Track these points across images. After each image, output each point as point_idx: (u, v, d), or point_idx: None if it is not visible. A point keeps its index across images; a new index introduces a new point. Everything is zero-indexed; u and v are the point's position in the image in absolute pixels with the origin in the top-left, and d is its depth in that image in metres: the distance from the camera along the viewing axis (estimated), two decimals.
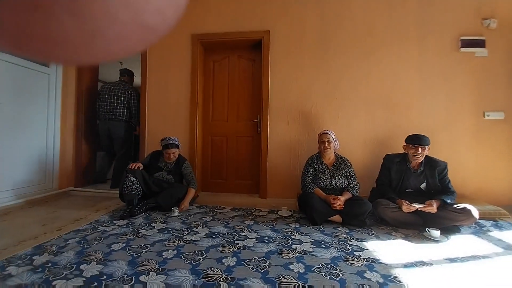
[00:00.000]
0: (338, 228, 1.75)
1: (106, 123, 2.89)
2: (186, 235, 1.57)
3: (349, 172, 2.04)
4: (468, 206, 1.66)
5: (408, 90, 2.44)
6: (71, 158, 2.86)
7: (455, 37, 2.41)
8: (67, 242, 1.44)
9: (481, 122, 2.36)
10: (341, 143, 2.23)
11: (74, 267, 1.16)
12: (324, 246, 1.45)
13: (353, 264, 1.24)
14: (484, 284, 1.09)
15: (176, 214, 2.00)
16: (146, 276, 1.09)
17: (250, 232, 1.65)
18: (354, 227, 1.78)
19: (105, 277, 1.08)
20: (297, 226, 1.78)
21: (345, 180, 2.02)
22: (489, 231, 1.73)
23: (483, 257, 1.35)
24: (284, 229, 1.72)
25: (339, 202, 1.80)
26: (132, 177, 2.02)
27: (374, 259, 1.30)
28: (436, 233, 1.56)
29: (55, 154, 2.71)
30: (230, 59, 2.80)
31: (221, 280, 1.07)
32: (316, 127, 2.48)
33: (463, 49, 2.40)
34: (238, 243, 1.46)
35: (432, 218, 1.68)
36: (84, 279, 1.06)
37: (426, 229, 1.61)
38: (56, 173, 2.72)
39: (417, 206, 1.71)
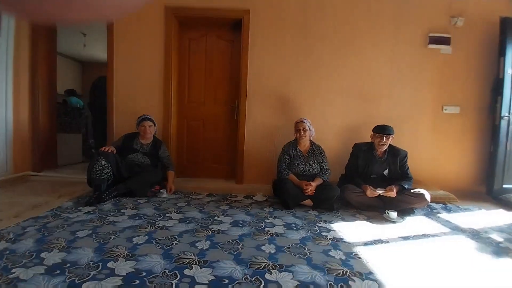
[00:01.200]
0: (309, 212, 1.86)
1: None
2: (159, 221, 1.55)
3: (322, 159, 2.14)
4: (422, 190, 1.86)
5: (379, 81, 2.56)
6: (27, 137, 2.57)
7: (425, 33, 2.54)
8: (26, 230, 1.33)
9: (439, 115, 2.59)
10: (316, 130, 2.30)
11: (34, 255, 1.08)
12: (295, 228, 1.54)
13: (320, 244, 1.34)
14: (432, 258, 1.25)
15: (165, 195, 2.01)
16: (115, 262, 1.06)
17: (225, 216, 1.68)
18: (324, 210, 1.90)
19: (68, 265, 1.03)
20: (271, 210, 1.85)
21: (318, 167, 2.11)
22: (439, 213, 1.97)
23: (432, 235, 1.55)
24: (258, 213, 1.77)
25: (311, 187, 1.89)
26: (103, 160, 1.89)
27: (339, 238, 1.42)
28: (393, 214, 1.73)
29: (8, 132, 2.40)
30: (208, 38, 2.66)
31: (194, 263, 1.08)
32: (294, 114, 2.51)
33: (430, 46, 2.55)
34: (213, 228, 1.48)
35: (391, 202, 1.86)
36: (45, 267, 1.00)
37: (386, 211, 1.78)
38: (10, 154, 2.43)
39: (379, 191, 1.87)
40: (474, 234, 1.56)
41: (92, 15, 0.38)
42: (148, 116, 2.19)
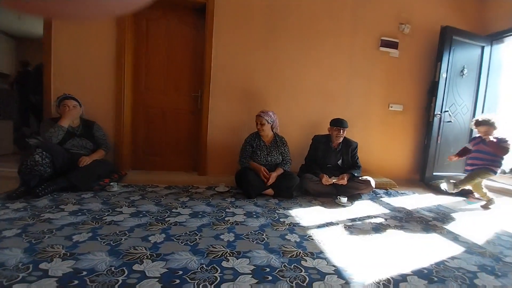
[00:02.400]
0: (270, 200, 1.91)
1: None
2: (106, 216, 1.40)
3: (284, 149, 2.20)
4: (369, 178, 2.07)
5: (338, 79, 2.73)
6: None
7: (377, 36, 2.78)
8: None
9: (386, 112, 2.89)
10: (280, 124, 2.34)
11: None
12: (255, 216, 1.56)
13: (277, 229, 1.39)
14: (373, 235, 1.41)
15: (115, 189, 1.84)
16: (48, 263, 0.93)
17: (183, 208, 1.61)
18: (284, 198, 1.97)
19: None
20: (232, 200, 1.84)
21: (280, 157, 2.17)
22: (381, 197, 2.22)
23: (375, 216, 1.74)
24: (219, 204, 1.75)
25: (271, 179, 1.95)
26: (37, 155, 1.63)
27: (295, 223, 1.49)
28: (344, 199, 1.89)
29: None
30: (170, 21, 2.46)
31: (145, 258, 1.01)
32: (259, 107, 2.50)
33: (381, 48, 2.80)
34: (169, 220, 1.40)
35: (342, 188, 2.04)
36: None
37: (338, 197, 1.94)
38: None
39: (333, 180, 2.03)
40: (408, 214, 1.81)
41: (98, 10, 0.36)
42: (70, 95, 1.95)
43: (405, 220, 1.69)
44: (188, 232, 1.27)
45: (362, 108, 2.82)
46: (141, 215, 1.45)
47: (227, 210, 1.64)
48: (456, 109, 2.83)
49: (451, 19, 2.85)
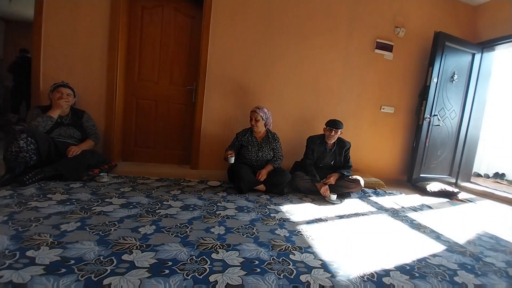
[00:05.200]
0: (261, 196, 1.93)
1: None
2: (96, 206, 1.39)
3: (276, 145, 2.21)
4: (358, 177, 2.12)
5: (333, 78, 2.75)
6: None
7: (373, 38, 2.82)
8: None
9: (378, 113, 2.95)
10: (273, 120, 2.35)
11: None
12: (246, 210, 1.58)
13: (268, 224, 1.41)
14: (360, 232, 1.45)
15: (105, 179, 1.81)
16: (35, 251, 0.92)
17: (175, 201, 1.61)
18: (275, 194, 1.99)
19: None
20: (224, 195, 1.85)
21: (271, 153, 2.19)
22: (370, 196, 2.28)
23: (362, 214, 1.79)
24: (211, 198, 1.75)
25: (261, 175, 1.98)
26: (22, 141, 1.57)
27: (285, 218, 1.52)
28: (333, 197, 1.94)
29: None
30: (165, 9, 2.41)
31: (134, 248, 1.01)
32: (253, 102, 2.51)
33: (376, 50, 2.84)
34: (160, 212, 1.40)
35: (333, 187, 2.08)
36: None
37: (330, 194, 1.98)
38: None
39: (323, 180, 2.08)
40: (394, 213, 1.87)
41: None
42: (67, 83, 1.93)
43: (391, 218, 1.75)
44: (178, 225, 1.27)
45: (355, 108, 2.86)
46: (131, 207, 1.44)
47: (218, 204, 1.64)
48: (444, 114, 2.92)
49: (444, 25, 2.91)
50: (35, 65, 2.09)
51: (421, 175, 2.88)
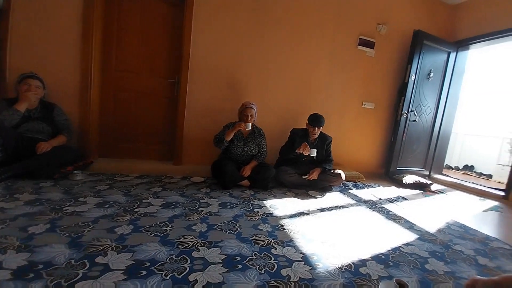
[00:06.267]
0: (245, 191, 1.93)
1: None
2: (68, 206, 1.31)
3: (261, 141, 2.21)
4: (339, 171, 2.18)
5: (320, 73, 2.78)
6: None
7: (356, 35, 2.86)
8: None
9: (359, 109, 3.03)
10: (260, 114, 2.34)
11: None
12: (229, 206, 1.57)
13: (251, 219, 1.41)
14: (340, 224, 1.50)
15: (79, 177, 1.70)
16: (2, 255, 0.86)
17: (155, 199, 1.56)
18: (259, 189, 2.00)
19: None
20: (208, 191, 1.83)
21: (256, 148, 2.18)
22: (350, 189, 2.36)
23: (342, 206, 1.85)
24: (194, 194, 1.72)
25: (245, 171, 1.98)
26: None
27: (268, 213, 1.53)
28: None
29: None
30: None
31: (110, 250, 0.97)
32: (239, 96, 2.48)
33: (359, 47, 2.89)
34: (138, 211, 1.35)
35: (315, 181, 2.13)
36: None
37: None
38: None
39: (307, 176, 2.13)
40: (372, 205, 1.95)
41: None
42: (35, 74, 1.80)
43: (369, 210, 1.83)
44: (158, 223, 1.23)
45: (339, 104, 2.92)
46: (108, 206, 1.37)
47: (201, 200, 1.62)
48: (421, 110, 3.06)
49: (423, 24, 3.02)
50: (1, 54, 1.89)
51: (397, 168, 3.03)
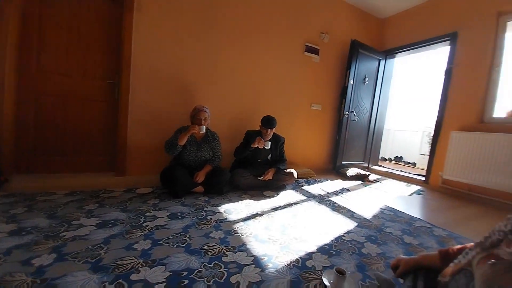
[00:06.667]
0: (199, 198, 1.85)
1: None
2: None
3: (215, 145, 2.16)
4: (292, 170, 2.30)
5: (269, 77, 2.86)
6: None
7: (303, 41, 3.06)
8: None
9: (309, 110, 3.26)
10: (213, 118, 2.28)
11: None
12: (180, 217, 1.48)
13: (202, 228, 1.36)
14: (292, 219, 1.56)
15: None
16: None
17: (88, 218, 1.36)
18: (214, 194, 1.95)
19: None
20: (156, 202, 1.69)
21: (211, 152, 2.13)
22: (302, 186, 2.50)
23: (295, 203, 1.94)
24: (138, 208, 1.57)
25: (199, 177, 1.91)
26: None
27: (222, 219, 1.50)
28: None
29: None
30: None
31: (24, 286, 0.80)
32: (191, 99, 2.38)
33: (306, 53, 3.10)
34: (65, 235, 1.16)
35: (270, 181, 2.19)
36: None
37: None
38: None
39: (262, 178, 2.17)
40: (320, 199, 2.11)
41: None
42: None
43: (318, 204, 1.96)
44: (90, 247, 1.08)
45: (290, 106, 3.07)
46: (24, 233, 1.14)
47: (147, 214, 1.49)
48: (359, 110, 3.45)
49: (358, 35, 3.42)
50: None
51: (342, 163, 3.35)
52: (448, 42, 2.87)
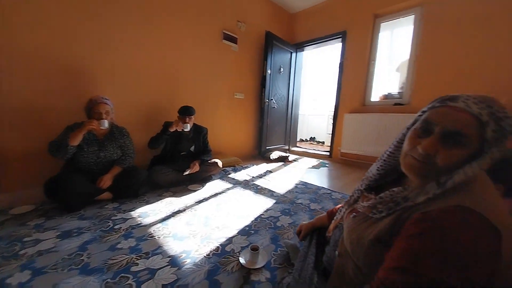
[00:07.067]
0: (106, 206, 1.59)
1: None
2: None
3: (125, 141, 1.87)
4: (216, 160, 2.29)
5: (186, 65, 2.67)
6: None
7: (220, 29, 2.98)
8: None
9: (232, 99, 3.29)
10: (119, 111, 1.95)
11: None
12: (76, 234, 1.23)
13: (107, 241, 1.17)
14: (215, 207, 1.56)
15: None
16: None
17: None
18: (127, 199, 1.72)
19: None
20: (40, 223, 1.33)
21: (119, 151, 1.83)
22: (229, 174, 2.55)
23: (220, 192, 1.96)
24: (12, 234, 1.20)
25: (104, 181, 1.63)
26: None
27: (135, 225, 1.34)
28: (194, 186, 1.97)
29: None
30: None
31: None
32: (83, 88, 1.94)
33: (224, 41, 3.05)
34: None
35: (195, 174, 2.11)
36: None
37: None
38: None
39: (187, 172, 2.05)
40: (245, 184, 2.22)
41: None
42: None
43: (243, 189, 2.05)
44: None
45: (212, 95, 3.00)
46: None
47: (26, 239, 1.16)
48: (278, 98, 3.76)
49: (272, 27, 3.62)
50: None
51: (267, 147, 3.62)
52: (340, 39, 3.45)
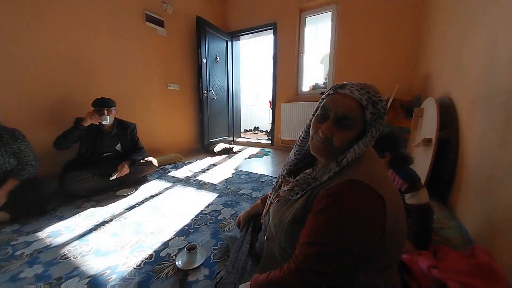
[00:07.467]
0: (3, 230, 1.25)
1: None
2: None
3: (19, 147, 1.48)
4: (150, 158, 2.08)
5: (101, 52, 2.26)
6: None
7: (141, 9, 2.62)
8: None
9: (165, 91, 3.02)
10: (9, 107, 1.50)
11: None
12: None
13: (7, 271, 0.93)
14: (149, 211, 1.43)
15: None
16: None
17: None
18: (31, 218, 1.39)
19: None
20: None
21: (12, 160, 1.45)
22: (169, 172, 2.37)
23: (157, 194, 1.80)
24: None
25: None
26: None
27: (43, 248, 1.11)
28: (124, 191, 1.76)
29: None
30: None
31: None
32: None
33: (147, 23, 2.71)
34: None
35: (125, 177, 1.87)
36: None
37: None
38: None
39: (114, 176, 1.78)
40: (186, 181, 2.11)
41: None
42: None
43: (184, 187, 1.95)
44: None
45: (139, 86, 2.67)
46: None
47: None
48: (217, 89, 3.66)
49: (204, 12, 3.42)
50: None
51: (210, 140, 3.53)
52: (272, 30, 3.56)
